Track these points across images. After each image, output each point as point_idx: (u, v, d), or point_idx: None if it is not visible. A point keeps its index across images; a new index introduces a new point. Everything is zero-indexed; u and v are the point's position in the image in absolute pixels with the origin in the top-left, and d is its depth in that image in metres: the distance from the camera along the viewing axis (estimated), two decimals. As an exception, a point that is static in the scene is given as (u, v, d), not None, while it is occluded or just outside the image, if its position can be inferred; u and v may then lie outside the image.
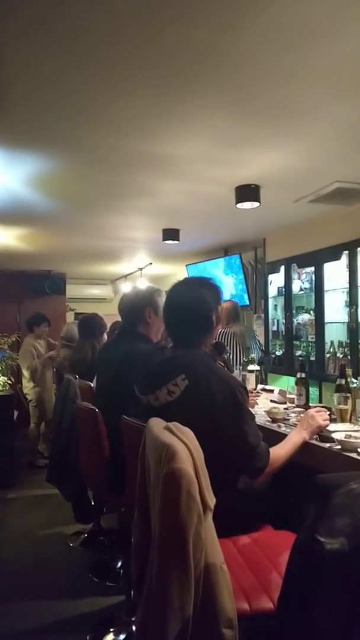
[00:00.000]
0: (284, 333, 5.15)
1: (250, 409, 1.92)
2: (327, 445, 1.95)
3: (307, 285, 4.85)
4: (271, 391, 3.36)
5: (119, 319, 2.76)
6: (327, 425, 2.05)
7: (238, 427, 1.67)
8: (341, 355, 4.31)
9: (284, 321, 5.13)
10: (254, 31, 1.80)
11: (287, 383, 4.66)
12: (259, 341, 5.06)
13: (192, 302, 1.84)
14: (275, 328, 5.45)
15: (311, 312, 4.77)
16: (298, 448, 1.91)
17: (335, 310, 4.48)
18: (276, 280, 5.33)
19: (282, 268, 5.09)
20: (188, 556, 1.12)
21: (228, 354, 2.86)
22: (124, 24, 1.77)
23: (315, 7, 1.68)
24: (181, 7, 1.67)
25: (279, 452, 1.82)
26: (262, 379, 4.28)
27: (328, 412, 2.15)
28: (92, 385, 3.09)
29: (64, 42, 1.89)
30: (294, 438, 1.94)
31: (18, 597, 2.71)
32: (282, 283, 5.15)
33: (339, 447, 1.90)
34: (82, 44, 1.90)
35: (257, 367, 3.52)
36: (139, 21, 1.76)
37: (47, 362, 5.37)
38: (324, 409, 2.16)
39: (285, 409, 2.68)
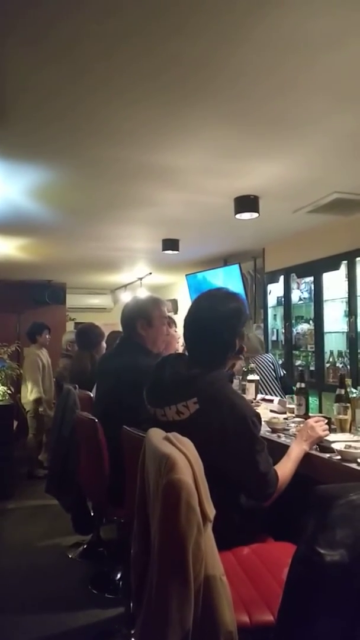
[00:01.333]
0: (283, 343, 5.16)
1: (326, 438, 1.95)
2: (327, 455, 1.95)
3: (306, 295, 4.87)
4: (271, 401, 3.36)
5: (119, 328, 2.76)
6: (326, 436, 2.04)
7: (250, 457, 1.64)
8: (340, 365, 4.31)
9: (283, 331, 5.13)
10: (252, 43, 1.82)
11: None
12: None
13: (216, 320, 1.73)
14: (274, 338, 5.45)
15: (310, 321, 4.77)
16: (299, 461, 1.90)
17: (335, 320, 4.49)
18: (275, 290, 5.35)
19: (282, 278, 5.11)
20: (187, 568, 1.12)
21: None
22: (124, 38, 1.80)
23: (313, 19, 1.70)
24: (180, 20, 1.70)
25: (284, 471, 1.80)
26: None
27: (326, 422, 2.14)
28: (92, 395, 3.08)
29: (66, 56, 1.91)
30: (295, 452, 1.92)
31: (16, 609, 2.69)
32: (281, 293, 5.16)
33: (338, 457, 1.89)
34: (83, 58, 1.92)
35: (257, 377, 3.52)
36: (138, 35, 1.78)
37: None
38: (323, 419, 2.15)
39: (285, 419, 2.67)
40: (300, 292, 4.95)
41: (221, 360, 1.76)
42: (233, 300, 1.79)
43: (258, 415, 1.73)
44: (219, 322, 1.73)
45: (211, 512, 1.19)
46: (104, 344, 4.19)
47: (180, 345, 3.21)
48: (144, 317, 2.45)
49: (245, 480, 1.70)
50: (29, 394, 5.31)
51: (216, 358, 1.75)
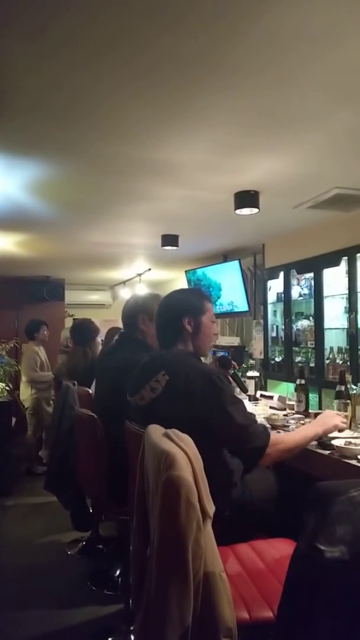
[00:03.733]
0: (283, 339, 5.15)
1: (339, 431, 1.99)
2: (327, 452, 1.94)
3: (306, 291, 4.85)
4: (270, 398, 3.35)
5: (118, 324, 2.76)
6: (342, 429, 2.04)
7: (222, 410, 1.68)
8: (341, 362, 4.30)
9: (283, 327, 5.12)
10: (252, 39, 1.81)
11: (286, 389, 4.66)
12: None
13: (167, 304, 2.03)
14: (274, 334, 5.44)
15: (310, 318, 4.76)
16: (309, 440, 1.91)
17: (335, 316, 4.48)
18: (275, 286, 5.33)
19: (282, 274, 5.10)
20: (187, 565, 1.11)
21: (236, 369, 2.82)
22: (123, 32, 1.78)
23: (313, 15, 1.68)
24: (180, 14, 1.68)
25: (286, 437, 1.84)
26: (261, 385, 4.25)
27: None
28: (91, 391, 3.08)
29: (65, 51, 1.89)
30: (305, 428, 1.95)
31: (15, 606, 2.69)
32: (281, 289, 5.15)
33: (338, 454, 1.89)
34: (81, 53, 1.91)
35: (256, 374, 3.52)
36: (137, 29, 1.76)
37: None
38: (343, 414, 2.16)
39: (285, 415, 2.67)
40: (300, 288, 4.93)
41: (178, 340, 1.94)
42: (185, 291, 2.24)
43: (223, 374, 1.88)
44: (170, 309, 2.00)
45: (211, 508, 1.18)
46: (98, 340, 4.19)
47: None
48: (145, 311, 2.46)
49: (227, 438, 1.72)
50: (25, 389, 5.30)
51: (173, 338, 1.95)
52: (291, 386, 3.97)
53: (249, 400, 3.33)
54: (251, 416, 1.77)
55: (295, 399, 2.78)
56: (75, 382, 3.32)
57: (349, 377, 2.53)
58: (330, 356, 4.43)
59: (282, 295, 5.13)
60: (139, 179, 3.32)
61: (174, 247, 5.10)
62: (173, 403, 1.70)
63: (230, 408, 1.69)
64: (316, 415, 2.31)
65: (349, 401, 2.33)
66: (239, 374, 3.04)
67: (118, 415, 2.05)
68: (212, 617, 1.15)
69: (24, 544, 3.48)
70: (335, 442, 1.94)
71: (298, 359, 4.89)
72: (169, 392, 1.72)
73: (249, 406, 2.68)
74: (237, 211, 3.67)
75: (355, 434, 2.13)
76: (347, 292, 4.17)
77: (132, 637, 2.24)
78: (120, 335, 2.65)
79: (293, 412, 2.80)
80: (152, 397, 1.76)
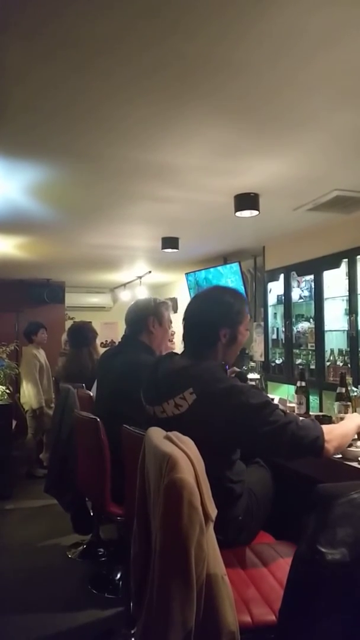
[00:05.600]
0: (283, 341, 5.15)
1: None
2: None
3: (306, 293, 4.85)
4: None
5: (118, 327, 2.76)
6: None
7: (266, 423, 1.57)
8: (341, 364, 4.30)
9: (283, 329, 5.12)
10: (251, 40, 1.81)
11: (287, 392, 4.64)
12: None
13: (202, 312, 1.82)
14: (275, 336, 5.44)
15: (311, 320, 4.76)
16: (351, 434, 1.80)
17: (335, 318, 4.48)
18: (276, 289, 5.33)
19: (282, 276, 5.10)
20: (190, 568, 1.11)
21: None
22: (122, 34, 1.78)
23: (312, 15, 1.68)
24: (178, 16, 1.68)
25: (332, 425, 1.75)
26: (262, 387, 4.24)
27: None
28: (92, 394, 3.07)
29: (63, 52, 1.90)
30: (347, 424, 1.84)
31: (15, 609, 2.68)
32: (281, 291, 5.15)
33: (339, 456, 1.88)
34: (81, 54, 1.91)
35: (257, 376, 3.51)
36: (136, 31, 1.76)
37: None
38: None
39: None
40: (300, 290, 4.94)
41: (209, 351, 1.78)
42: (224, 294, 1.87)
43: (253, 386, 1.74)
44: (206, 316, 1.80)
45: (213, 511, 1.18)
46: (97, 342, 4.20)
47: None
48: (156, 314, 2.48)
49: (280, 446, 1.60)
50: (29, 398, 5.29)
51: (204, 349, 1.78)
52: (292, 388, 3.96)
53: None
54: (289, 414, 1.67)
55: (296, 401, 2.78)
56: (77, 384, 3.32)
57: (349, 379, 2.52)
58: (331, 358, 4.43)
59: (283, 297, 5.13)
60: (139, 181, 3.33)
61: (174, 250, 5.11)
62: (202, 421, 1.59)
63: (271, 418, 1.59)
64: (317, 417, 2.31)
65: (349, 403, 2.33)
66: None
67: (119, 418, 2.05)
68: (214, 621, 1.15)
69: (24, 547, 3.47)
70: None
71: (298, 361, 4.89)
72: (196, 412, 1.61)
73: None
74: (237, 213, 3.67)
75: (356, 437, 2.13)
76: (347, 294, 4.17)
77: (133, 640, 2.23)
78: (124, 338, 2.65)
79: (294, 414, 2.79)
80: (175, 414, 1.65)
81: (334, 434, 1.68)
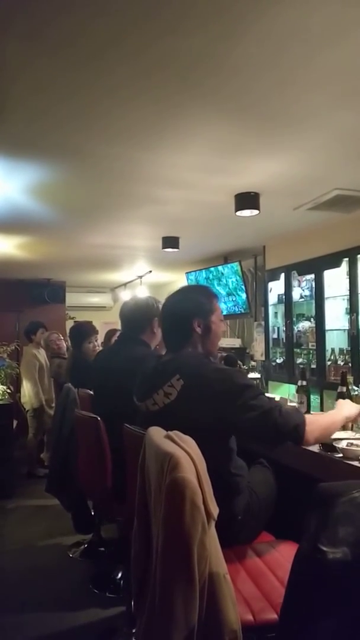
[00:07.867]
0: (284, 341, 5.14)
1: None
2: (329, 453, 1.93)
3: (307, 292, 4.85)
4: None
5: (119, 326, 2.75)
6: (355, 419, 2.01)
7: (249, 406, 1.60)
8: (342, 363, 4.30)
9: (284, 329, 5.12)
10: (252, 39, 1.81)
11: (288, 391, 4.64)
12: None
13: (174, 308, 1.93)
14: (275, 336, 5.44)
15: (312, 319, 4.76)
16: (337, 425, 1.85)
17: (336, 317, 4.48)
18: (276, 288, 5.33)
19: (282, 275, 5.10)
20: (192, 567, 1.11)
21: (242, 368, 2.80)
22: (121, 33, 1.78)
23: (312, 14, 1.68)
24: (178, 15, 1.68)
25: (317, 415, 1.78)
26: (262, 386, 4.25)
27: None
28: (91, 392, 3.07)
29: (62, 51, 1.90)
30: (334, 414, 1.88)
31: (17, 609, 2.68)
32: (282, 290, 5.15)
33: (340, 455, 1.88)
34: (80, 52, 1.91)
35: (257, 375, 3.51)
36: (136, 30, 1.76)
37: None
38: None
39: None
40: (301, 289, 4.94)
41: (187, 342, 1.86)
42: (191, 291, 2.10)
43: (240, 370, 1.78)
44: (178, 310, 1.91)
45: (215, 510, 1.18)
46: (92, 342, 4.20)
47: None
48: (158, 316, 2.47)
49: (261, 428, 1.62)
50: (29, 397, 5.29)
51: (183, 341, 1.86)
52: (292, 388, 3.96)
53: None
54: (274, 402, 1.71)
55: (297, 400, 2.77)
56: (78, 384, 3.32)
57: (350, 378, 2.52)
58: (332, 357, 4.43)
59: (283, 296, 5.13)
60: (139, 180, 3.33)
61: (175, 249, 5.11)
62: (192, 407, 1.64)
63: (255, 402, 1.62)
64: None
65: (350, 402, 2.33)
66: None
67: (121, 416, 2.04)
68: (216, 619, 1.15)
69: (25, 546, 3.47)
70: (337, 444, 1.94)
71: (299, 360, 4.89)
72: (185, 397, 1.65)
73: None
74: (238, 213, 3.67)
75: (357, 435, 2.13)
76: (348, 293, 4.17)
77: (135, 639, 2.23)
78: (121, 335, 2.64)
79: (295, 413, 2.79)
80: (166, 403, 1.69)
81: (316, 424, 1.71)
